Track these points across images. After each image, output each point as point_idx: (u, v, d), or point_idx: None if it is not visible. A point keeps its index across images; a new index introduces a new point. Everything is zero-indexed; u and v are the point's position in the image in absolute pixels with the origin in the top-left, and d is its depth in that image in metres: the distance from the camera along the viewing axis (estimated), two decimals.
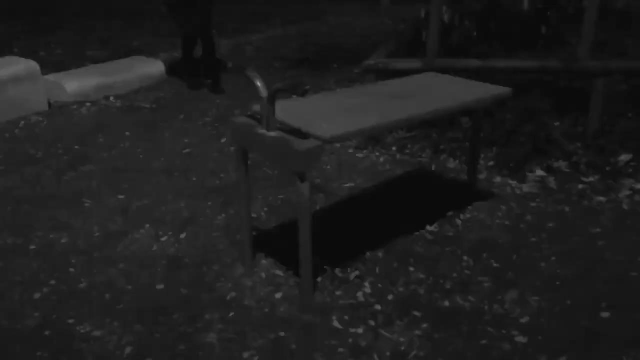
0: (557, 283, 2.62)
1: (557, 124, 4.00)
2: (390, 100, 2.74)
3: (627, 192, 3.39)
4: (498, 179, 3.59)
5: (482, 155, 3.75)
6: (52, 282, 2.66)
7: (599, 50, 4.77)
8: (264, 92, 2.32)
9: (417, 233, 3.00)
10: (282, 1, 10.45)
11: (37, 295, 2.56)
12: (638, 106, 4.05)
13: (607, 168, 3.55)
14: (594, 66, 3.87)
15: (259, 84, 2.34)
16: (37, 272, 2.73)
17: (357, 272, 2.70)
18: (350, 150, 4.07)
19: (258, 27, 8.43)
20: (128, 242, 2.98)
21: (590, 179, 3.52)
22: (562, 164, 3.64)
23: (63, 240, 3.00)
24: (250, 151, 2.57)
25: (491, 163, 3.75)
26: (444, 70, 3.75)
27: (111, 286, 2.62)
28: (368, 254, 2.83)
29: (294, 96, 2.37)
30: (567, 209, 3.26)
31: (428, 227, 3.05)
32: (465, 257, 2.81)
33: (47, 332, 2.34)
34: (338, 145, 3.99)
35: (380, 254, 2.83)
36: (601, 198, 3.35)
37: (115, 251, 2.90)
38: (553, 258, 2.80)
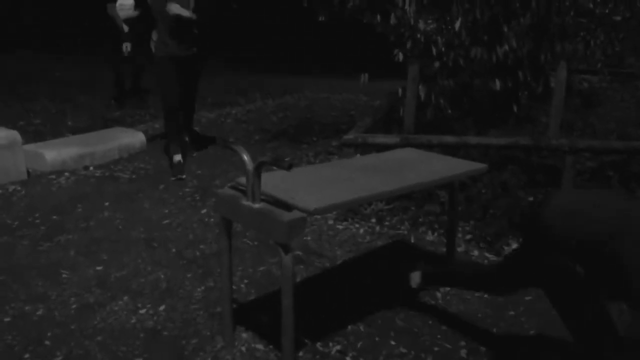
0: None
1: (530, 199, 4.12)
2: (370, 174, 2.82)
3: None
4: (476, 253, 3.66)
5: (460, 229, 3.82)
6: (27, 355, 2.58)
7: (568, 128, 4.99)
8: (249, 165, 2.38)
9: (398, 306, 3.01)
10: (262, 76, 10.75)
11: None
12: (606, 183, 4.20)
13: None
14: (564, 144, 4.04)
15: (245, 157, 2.39)
16: (11, 345, 2.65)
17: (338, 347, 2.68)
18: (331, 222, 4.12)
19: (238, 101, 8.62)
20: (106, 314, 2.93)
21: None
22: None
23: (39, 312, 2.93)
24: (235, 222, 2.60)
25: (469, 236, 3.82)
26: (420, 146, 3.89)
27: None
28: (349, 327, 2.82)
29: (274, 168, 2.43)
30: None
31: (409, 300, 3.07)
32: (445, 330, 2.82)
33: None
34: (319, 216, 4.03)
35: (361, 328, 2.82)
36: None
37: (93, 323, 2.84)
38: (532, 331, 2.83)
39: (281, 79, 10.47)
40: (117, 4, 7.16)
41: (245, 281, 3.29)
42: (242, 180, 2.51)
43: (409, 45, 4.68)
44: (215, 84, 9.51)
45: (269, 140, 6.41)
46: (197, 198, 4.59)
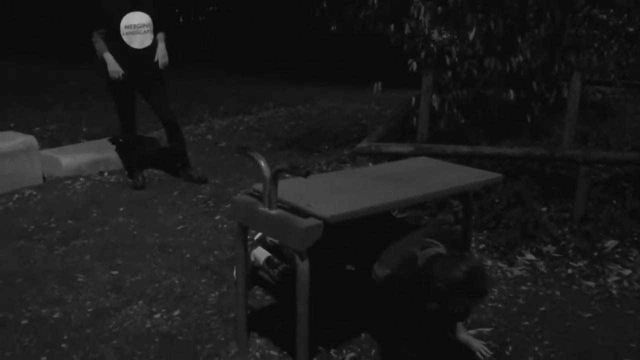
0: None
1: (544, 209, 4.11)
2: (385, 182, 2.83)
3: (615, 278, 3.45)
4: (489, 262, 3.65)
5: (473, 238, 3.82)
6: (44, 358, 2.61)
7: (582, 139, 4.99)
8: (267, 172, 2.40)
9: None
10: (274, 85, 10.81)
11: None
12: (620, 194, 4.18)
13: (595, 254, 3.63)
14: (577, 155, 4.03)
15: (262, 164, 2.42)
16: (28, 348, 2.68)
17: (352, 354, 2.68)
18: None
19: (250, 109, 8.67)
20: (121, 318, 2.95)
21: (579, 264, 3.59)
22: (550, 249, 3.72)
23: (55, 315, 2.96)
24: (251, 228, 2.62)
25: (482, 246, 3.82)
26: (433, 155, 3.89)
27: None
28: (363, 335, 2.82)
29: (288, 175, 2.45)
30: (557, 293, 3.30)
31: None
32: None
33: None
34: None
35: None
36: (590, 283, 3.41)
37: (108, 327, 2.86)
38: (546, 342, 2.82)
39: (293, 88, 10.52)
40: (124, 24, 4.62)
41: (259, 287, 3.31)
42: (258, 186, 2.53)
43: (422, 55, 4.71)
44: (228, 92, 9.58)
45: (281, 148, 6.44)
46: (211, 204, 4.62)
